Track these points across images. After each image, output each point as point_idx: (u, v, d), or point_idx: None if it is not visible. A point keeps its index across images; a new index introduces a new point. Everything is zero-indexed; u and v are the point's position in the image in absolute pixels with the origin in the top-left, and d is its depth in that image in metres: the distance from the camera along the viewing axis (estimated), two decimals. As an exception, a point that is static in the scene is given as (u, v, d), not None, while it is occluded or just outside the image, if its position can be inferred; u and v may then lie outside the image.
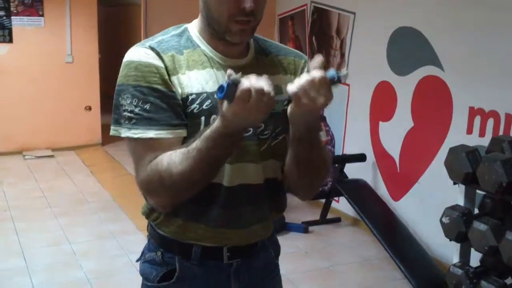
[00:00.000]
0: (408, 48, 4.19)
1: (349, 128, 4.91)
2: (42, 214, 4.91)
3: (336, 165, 4.71)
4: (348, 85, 4.82)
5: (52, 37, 6.89)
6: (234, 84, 1.13)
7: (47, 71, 6.89)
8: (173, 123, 1.32)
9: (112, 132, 1.37)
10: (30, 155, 6.76)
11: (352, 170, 4.64)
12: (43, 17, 6.83)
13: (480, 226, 2.95)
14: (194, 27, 1.44)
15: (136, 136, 1.31)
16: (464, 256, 3.21)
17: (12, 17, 6.67)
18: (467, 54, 3.66)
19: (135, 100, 1.32)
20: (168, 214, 1.44)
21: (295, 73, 1.50)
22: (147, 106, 1.31)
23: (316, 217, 4.82)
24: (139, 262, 1.58)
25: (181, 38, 1.41)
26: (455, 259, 3.23)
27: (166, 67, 1.34)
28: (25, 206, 5.10)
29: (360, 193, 4.47)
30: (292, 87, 1.20)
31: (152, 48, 1.35)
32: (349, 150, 4.83)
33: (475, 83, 3.61)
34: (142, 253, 1.57)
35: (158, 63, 1.33)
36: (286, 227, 4.61)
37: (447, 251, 3.59)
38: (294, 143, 1.37)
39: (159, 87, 1.32)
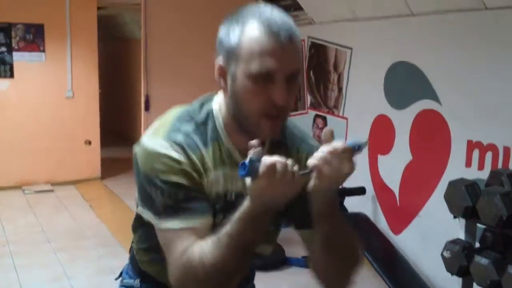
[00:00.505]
0: (405, 82, 4.23)
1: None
2: (41, 250, 4.88)
3: (336, 198, 4.71)
4: (346, 118, 4.86)
5: (53, 72, 6.96)
6: (257, 160, 1.13)
7: (48, 106, 6.93)
8: (205, 209, 1.29)
9: (139, 211, 1.36)
10: (30, 190, 6.75)
11: (352, 204, 4.63)
12: (44, 53, 6.90)
13: (481, 260, 2.94)
14: (218, 112, 1.36)
15: (174, 227, 1.27)
16: (466, 290, 3.19)
17: (14, 53, 6.74)
18: (464, 87, 3.70)
19: (167, 193, 1.27)
20: (154, 261, 1.45)
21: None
22: (181, 196, 1.27)
23: (317, 251, 4.79)
24: (117, 280, 1.63)
25: (207, 128, 1.34)
26: (457, 293, 3.22)
27: (195, 168, 1.29)
28: (24, 241, 5.07)
29: (360, 227, 4.45)
30: (312, 160, 1.19)
31: (179, 145, 1.29)
32: (349, 183, 4.81)
33: (473, 117, 3.64)
34: (121, 273, 1.63)
35: (187, 162, 1.28)
36: (287, 262, 4.58)
37: (449, 286, 3.57)
38: (318, 221, 1.31)
39: (189, 183, 1.28)
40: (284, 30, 1.21)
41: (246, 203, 1.19)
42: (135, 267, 1.56)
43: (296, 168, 1.16)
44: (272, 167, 1.12)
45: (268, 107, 1.24)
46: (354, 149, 1.21)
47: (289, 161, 1.15)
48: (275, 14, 1.24)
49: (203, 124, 1.34)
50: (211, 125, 1.34)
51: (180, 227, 1.26)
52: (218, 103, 1.36)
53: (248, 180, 1.15)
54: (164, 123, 1.34)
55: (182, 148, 1.28)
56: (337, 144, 1.20)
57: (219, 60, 1.28)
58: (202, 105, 1.37)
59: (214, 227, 1.28)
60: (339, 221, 1.34)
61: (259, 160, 1.13)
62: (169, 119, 1.34)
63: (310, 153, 1.32)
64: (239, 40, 1.23)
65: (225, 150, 1.34)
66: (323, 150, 1.19)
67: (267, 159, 1.13)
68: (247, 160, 1.12)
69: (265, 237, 1.34)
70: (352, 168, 1.21)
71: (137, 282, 1.54)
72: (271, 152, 1.28)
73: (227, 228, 1.21)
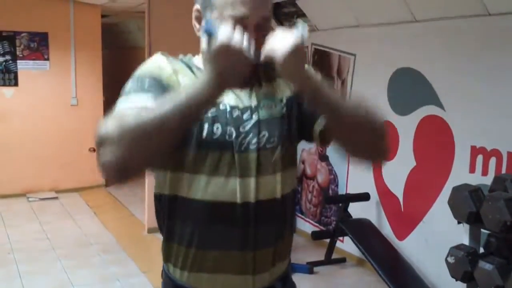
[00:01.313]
0: (408, 88, 4.24)
1: (352, 167, 4.92)
2: (45, 257, 4.89)
3: (340, 204, 4.71)
4: (350, 125, 4.86)
5: (57, 80, 7.00)
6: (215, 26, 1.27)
7: (52, 113, 6.97)
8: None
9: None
10: (34, 197, 6.77)
11: (356, 210, 4.64)
12: (48, 61, 6.95)
13: (485, 265, 2.94)
14: (199, 59, 1.51)
15: (130, 98, 1.36)
16: (471, 296, 3.19)
17: (18, 61, 6.79)
18: (468, 93, 3.71)
19: (138, 82, 1.39)
20: (182, 246, 1.43)
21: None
22: (146, 85, 1.37)
23: (321, 257, 4.79)
24: None
25: (189, 62, 1.49)
26: (462, 299, 3.21)
27: (173, 69, 1.42)
28: (29, 249, 5.08)
29: (364, 233, 4.45)
30: (264, 51, 1.28)
31: (164, 55, 1.46)
32: (353, 189, 4.83)
33: (476, 122, 3.64)
34: None
35: (166, 64, 1.43)
36: (290, 268, 4.57)
37: (454, 291, 3.56)
38: (320, 110, 1.40)
39: (160, 78, 1.39)
40: None
41: (201, 75, 1.27)
42: (169, 286, 1.51)
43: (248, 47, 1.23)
44: (229, 30, 1.20)
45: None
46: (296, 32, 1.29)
47: (245, 42, 1.21)
48: None
49: (188, 61, 1.49)
50: (191, 62, 1.49)
51: (135, 99, 1.34)
52: (199, 55, 1.51)
53: (205, 41, 1.35)
54: None
55: (168, 59, 1.45)
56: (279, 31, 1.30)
57: (196, 5, 1.42)
58: (183, 56, 1.53)
59: (210, 139, 1.37)
60: (341, 103, 1.37)
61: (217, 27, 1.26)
62: None
63: None
64: None
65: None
66: (269, 40, 1.29)
67: (226, 30, 1.21)
68: (210, 20, 1.33)
69: (271, 166, 1.42)
70: (294, 40, 1.24)
71: None
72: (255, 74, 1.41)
73: (176, 94, 1.28)
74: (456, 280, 3.15)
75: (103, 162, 1.26)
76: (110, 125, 1.23)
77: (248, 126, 1.40)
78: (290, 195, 1.51)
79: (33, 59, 6.89)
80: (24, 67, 6.83)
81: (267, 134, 1.42)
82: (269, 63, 1.28)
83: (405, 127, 4.24)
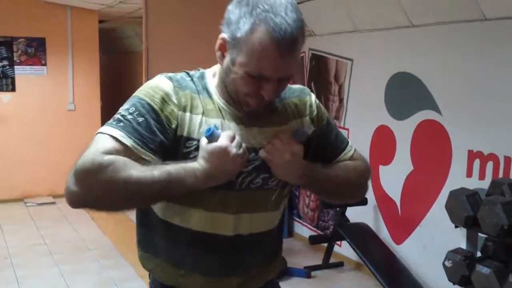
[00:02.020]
0: (405, 93, 4.25)
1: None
2: (43, 262, 4.89)
3: (338, 208, 4.72)
4: (348, 129, 4.87)
5: (54, 85, 7.01)
6: (221, 129, 1.34)
7: (50, 119, 6.97)
8: (151, 147, 1.30)
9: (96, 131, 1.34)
10: (32, 202, 6.76)
11: (353, 214, 4.64)
12: (45, 66, 6.96)
13: (483, 269, 2.94)
14: (211, 78, 1.46)
15: (114, 135, 1.28)
16: (468, 300, 3.19)
17: (15, 67, 6.80)
18: (465, 98, 3.72)
19: (133, 109, 1.33)
20: (167, 263, 1.47)
21: (304, 113, 1.53)
22: (140, 119, 1.31)
23: (319, 261, 4.80)
24: None
25: (200, 82, 1.44)
26: (460, 303, 3.21)
27: (179, 102, 1.36)
28: (26, 254, 5.08)
29: (362, 237, 4.46)
30: (261, 152, 1.39)
31: (172, 80, 1.40)
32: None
33: (473, 127, 3.66)
34: None
35: (172, 95, 1.37)
36: (288, 272, 4.58)
37: (451, 295, 3.57)
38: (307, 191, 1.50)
39: (160, 113, 1.34)
40: (289, 41, 1.27)
41: (196, 161, 1.31)
42: (156, 284, 1.55)
43: (244, 154, 1.33)
44: (230, 138, 1.30)
45: (256, 96, 1.36)
46: (296, 136, 1.41)
47: (244, 145, 1.34)
48: (288, 17, 1.27)
49: (198, 79, 1.45)
50: (204, 83, 1.44)
51: (120, 138, 1.27)
52: (212, 71, 1.47)
53: (205, 141, 1.31)
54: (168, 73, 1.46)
55: (173, 82, 1.39)
56: (281, 134, 1.41)
57: (223, 35, 1.35)
58: (196, 70, 1.49)
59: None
60: (326, 182, 1.49)
61: (222, 130, 1.34)
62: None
63: (301, 96, 1.54)
64: (245, 36, 1.29)
65: (217, 105, 1.42)
66: (270, 143, 1.39)
67: (227, 132, 1.32)
68: (212, 126, 1.32)
69: (269, 204, 1.48)
70: (294, 155, 1.38)
71: None
72: (265, 112, 1.45)
73: (170, 167, 1.28)
74: (454, 284, 3.15)
75: (71, 191, 1.29)
76: (91, 163, 1.24)
77: (251, 166, 1.41)
78: (281, 219, 1.58)
79: (30, 65, 6.90)
80: (22, 73, 6.83)
81: (269, 175, 1.44)
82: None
83: (403, 131, 4.26)
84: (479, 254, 3.19)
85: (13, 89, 6.80)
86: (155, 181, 1.24)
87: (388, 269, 4.18)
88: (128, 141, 1.27)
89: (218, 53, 1.38)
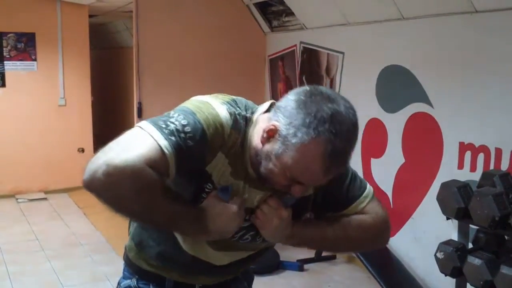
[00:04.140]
0: (396, 86, 4.26)
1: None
2: (35, 258, 4.87)
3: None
4: (339, 122, 4.87)
5: (45, 81, 6.96)
6: (232, 192, 1.38)
7: (40, 114, 6.93)
8: (182, 170, 1.30)
9: (142, 123, 1.31)
10: (23, 198, 6.73)
11: (345, 207, 4.64)
12: (36, 62, 6.91)
13: (474, 260, 2.96)
14: (253, 131, 1.39)
15: (162, 146, 1.24)
16: (460, 291, 3.21)
17: (5, 62, 6.74)
18: (456, 90, 3.73)
19: (188, 128, 1.28)
20: (145, 254, 1.54)
21: None
22: (189, 143, 1.27)
23: (311, 254, 4.80)
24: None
25: (247, 129, 1.39)
26: (451, 294, 3.23)
27: (226, 143, 1.34)
28: (18, 250, 5.06)
29: (354, 230, 4.46)
30: (252, 217, 1.43)
31: (231, 115, 1.35)
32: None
33: (464, 119, 3.67)
34: (118, 283, 1.64)
35: (226, 132, 1.33)
36: (281, 266, 4.59)
37: (443, 286, 3.58)
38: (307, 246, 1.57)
39: (207, 141, 1.30)
40: (340, 162, 1.31)
41: (203, 210, 1.34)
42: (130, 266, 1.60)
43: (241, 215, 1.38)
44: (240, 200, 1.37)
45: (283, 189, 1.37)
46: (284, 200, 1.42)
47: (243, 217, 1.40)
48: (348, 143, 1.28)
49: (244, 123, 1.39)
50: (246, 133, 1.39)
51: (166, 152, 1.24)
52: (257, 124, 1.39)
53: (218, 198, 1.36)
54: (223, 96, 1.41)
55: (233, 121, 1.34)
56: (270, 200, 1.42)
57: (276, 123, 1.29)
58: (246, 105, 1.43)
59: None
60: (317, 242, 1.52)
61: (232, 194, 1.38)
62: (226, 96, 1.42)
63: None
64: (300, 144, 1.25)
65: (243, 164, 1.40)
66: (260, 208, 1.42)
67: (238, 198, 1.37)
68: (229, 188, 1.36)
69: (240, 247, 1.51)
70: (281, 219, 1.41)
71: (133, 280, 1.57)
72: None
73: (181, 203, 1.32)
74: (446, 276, 3.17)
75: (96, 177, 1.26)
76: (129, 168, 1.21)
77: (244, 224, 1.45)
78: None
79: (20, 60, 6.85)
80: (12, 68, 6.78)
81: (255, 232, 1.48)
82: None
83: (394, 124, 4.27)
84: (470, 245, 3.21)
85: (3, 85, 6.75)
86: (168, 215, 1.30)
87: (380, 262, 4.19)
88: (170, 158, 1.25)
89: (264, 134, 1.32)
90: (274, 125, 1.29)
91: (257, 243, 1.50)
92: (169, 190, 1.31)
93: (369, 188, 1.54)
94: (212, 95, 1.40)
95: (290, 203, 1.43)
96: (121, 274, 1.64)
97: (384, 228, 1.56)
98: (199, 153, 1.30)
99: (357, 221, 1.49)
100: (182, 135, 1.26)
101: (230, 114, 1.34)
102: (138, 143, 1.24)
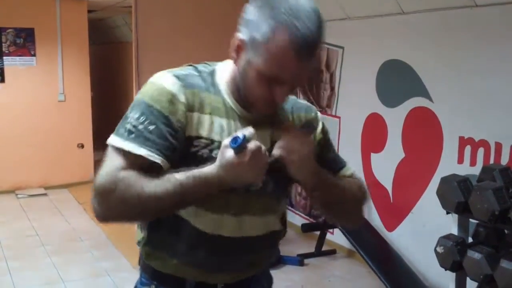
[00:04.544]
0: (396, 81, 4.25)
1: (341, 160, 4.93)
2: (35, 253, 4.87)
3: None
4: (339, 117, 4.87)
5: (44, 76, 6.95)
6: (247, 140, 1.23)
7: (40, 110, 6.92)
8: (165, 153, 1.31)
9: (108, 140, 1.35)
10: (23, 194, 6.73)
11: (345, 202, 4.64)
12: (35, 57, 6.89)
13: (474, 255, 2.96)
14: (223, 74, 1.42)
15: (126, 149, 1.29)
16: (460, 285, 3.22)
17: (4, 57, 6.73)
18: (455, 84, 3.73)
19: (143, 118, 1.31)
20: (163, 253, 1.46)
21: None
22: (151, 127, 1.30)
23: (311, 249, 4.81)
24: None
25: (209, 78, 1.42)
26: (451, 288, 3.24)
27: (187, 102, 1.35)
28: (18, 245, 5.06)
29: (354, 225, 4.46)
30: (276, 150, 1.34)
31: (178, 78, 1.37)
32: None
33: (464, 113, 3.67)
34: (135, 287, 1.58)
35: (180, 95, 1.34)
36: (281, 260, 4.59)
37: (443, 281, 3.59)
38: (313, 195, 1.46)
39: (170, 116, 1.32)
40: (309, 48, 1.26)
41: (212, 168, 1.26)
42: (147, 271, 1.53)
43: (267, 157, 1.28)
44: (258, 150, 1.24)
45: (268, 99, 1.34)
46: (307, 129, 1.42)
47: (263, 148, 1.26)
48: (310, 23, 1.26)
49: (208, 75, 1.42)
50: (213, 79, 1.42)
51: (132, 151, 1.29)
52: (226, 66, 1.43)
53: (231, 152, 1.23)
54: (174, 68, 1.43)
55: (180, 80, 1.36)
56: (293, 130, 1.39)
57: (241, 35, 1.32)
58: (205, 65, 1.47)
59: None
60: (333, 187, 1.47)
61: (249, 140, 1.24)
62: (178, 67, 1.43)
63: (307, 112, 1.55)
64: (265, 38, 1.26)
65: (227, 103, 1.40)
66: (283, 139, 1.35)
67: (255, 142, 1.24)
68: (240, 135, 1.22)
69: (251, 208, 1.43)
70: (308, 147, 1.37)
71: (153, 287, 1.51)
72: (271, 114, 1.44)
73: (182, 177, 1.27)
74: (445, 270, 3.18)
75: (94, 208, 1.31)
76: (106, 182, 1.27)
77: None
78: (281, 226, 1.57)
79: (20, 55, 6.83)
80: (11, 63, 6.77)
81: (270, 179, 1.41)
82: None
83: (394, 119, 4.27)
84: (470, 239, 3.22)
85: (2, 80, 6.74)
86: (168, 195, 1.26)
87: (380, 256, 4.20)
88: (142, 152, 1.29)
89: (233, 54, 1.35)
90: (239, 39, 1.33)
91: (267, 193, 1.44)
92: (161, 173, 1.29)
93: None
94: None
95: (312, 129, 1.45)
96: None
97: (368, 197, 1.63)
98: (168, 128, 1.31)
99: (356, 182, 1.57)
100: (140, 126, 1.30)
101: (175, 76, 1.37)
102: (107, 161, 1.31)
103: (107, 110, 9.55)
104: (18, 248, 4.98)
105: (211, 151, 1.35)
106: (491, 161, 3.45)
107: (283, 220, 1.57)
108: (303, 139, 1.37)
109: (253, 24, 1.29)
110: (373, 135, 4.53)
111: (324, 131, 1.57)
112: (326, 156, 1.54)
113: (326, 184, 1.45)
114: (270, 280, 1.67)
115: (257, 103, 1.36)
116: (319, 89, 5.13)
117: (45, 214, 6.04)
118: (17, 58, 6.81)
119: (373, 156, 4.55)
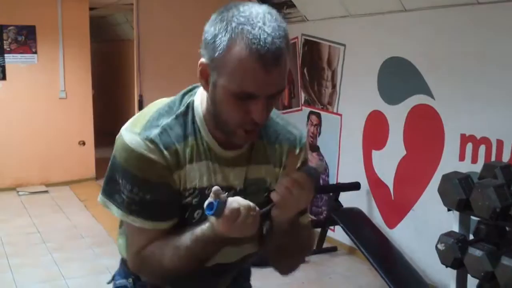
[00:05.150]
0: (398, 78, 4.25)
1: (343, 157, 4.94)
2: (36, 250, 4.87)
3: (331, 194, 4.73)
4: (341, 115, 4.87)
5: (45, 73, 6.95)
6: (223, 203, 1.20)
7: (41, 107, 6.92)
8: (170, 215, 1.35)
9: (100, 201, 1.39)
10: (24, 191, 6.73)
11: (346, 199, 4.66)
12: (36, 54, 6.89)
13: (475, 252, 2.96)
14: (199, 106, 1.35)
15: (135, 224, 1.35)
16: (461, 282, 3.22)
17: (6, 55, 6.72)
18: (457, 82, 3.73)
19: (136, 189, 1.31)
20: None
21: (282, 164, 1.46)
22: (148, 197, 1.31)
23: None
24: (109, 284, 1.62)
25: (186, 120, 1.34)
26: (452, 285, 3.24)
27: (168, 165, 1.30)
28: (19, 242, 5.06)
29: (355, 222, 4.47)
30: (276, 195, 1.26)
31: (153, 142, 1.29)
32: (343, 179, 4.86)
33: (466, 111, 3.67)
34: (113, 277, 1.60)
35: (160, 160, 1.29)
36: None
37: (444, 278, 3.59)
38: (278, 236, 1.38)
39: (159, 183, 1.31)
40: (272, 53, 1.16)
41: (208, 228, 1.25)
42: (127, 265, 1.53)
43: (257, 210, 1.23)
44: (235, 211, 1.19)
45: (246, 122, 1.25)
46: (311, 176, 1.28)
47: (252, 204, 1.22)
48: (266, 26, 1.17)
49: (183, 116, 1.34)
50: (191, 117, 1.34)
51: (142, 226, 1.34)
52: (200, 96, 1.36)
53: (213, 218, 1.21)
54: (144, 115, 1.35)
55: (156, 146, 1.29)
56: (296, 175, 1.27)
57: (202, 59, 1.24)
58: (183, 97, 1.38)
59: (189, 222, 1.35)
60: (297, 232, 1.41)
61: (225, 202, 1.20)
62: (150, 111, 1.35)
63: (291, 146, 1.45)
64: (224, 53, 1.18)
65: (205, 143, 1.35)
66: (283, 183, 1.26)
67: (232, 203, 1.20)
68: (214, 201, 1.18)
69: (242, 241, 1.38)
70: (309, 196, 1.29)
71: (130, 281, 1.52)
72: (251, 146, 1.40)
73: (188, 242, 1.29)
74: (446, 267, 3.18)
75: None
76: (138, 265, 1.41)
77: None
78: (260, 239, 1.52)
79: (21, 53, 6.83)
80: (12, 61, 6.77)
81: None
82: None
83: (395, 116, 4.26)
84: (471, 237, 3.22)
85: (4, 78, 6.73)
86: (187, 263, 1.32)
87: (381, 253, 4.20)
88: (150, 226, 1.34)
89: (201, 81, 1.28)
90: (200, 64, 1.24)
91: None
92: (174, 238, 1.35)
93: None
94: (134, 119, 1.37)
95: (316, 177, 1.31)
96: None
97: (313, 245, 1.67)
98: (163, 192, 1.32)
99: (310, 231, 1.58)
100: (137, 197, 1.31)
101: (150, 141, 1.29)
102: (130, 236, 1.42)
103: (108, 107, 9.57)
104: (19, 245, 4.98)
105: (192, 198, 1.35)
106: (493, 159, 3.45)
107: (261, 238, 1.48)
108: (304, 186, 1.26)
109: (210, 43, 1.20)
110: (375, 132, 4.53)
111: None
112: None
113: (295, 231, 1.38)
114: (248, 272, 1.71)
115: (237, 129, 1.27)
116: (320, 87, 5.13)
117: (46, 211, 6.05)
118: (19, 55, 6.80)
119: (375, 153, 4.55)
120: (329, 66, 5.01)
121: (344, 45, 4.81)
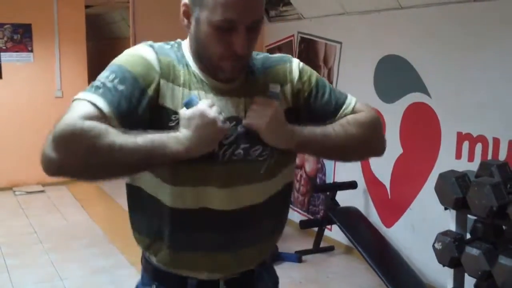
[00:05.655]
0: (394, 76, 4.24)
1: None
2: (33, 250, 4.86)
3: (328, 193, 4.72)
4: (337, 113, 4.86)
5: (41, 72, 6.93)
6: (200, 100, 1.31)
7: (37, 106, 6.90)
8: (123, 114, 1.26)
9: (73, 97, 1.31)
10: (21, 191, 6.72)
11: (343, 198, 4.65)
12: (32, 53, 6.88)
13: (472, 251, 2.96)
14: (187, 48, 1.43)
15: (93, 101, 1.24)
16: (458, 281, 3.21)
17: (1, 53, 6.71)
18: (453, 80, 3.72)
19: (113, 76, 1.29)
20: (157, 243, 1.42)
21: (287, 80, 1.47)
22: (119, 87, 1.27)
23: (309, 246, 4.80)
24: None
25: (178, 52, 1.41)
26: (449, 284, 3.23)
27: (161, 70, 1.34)
28: (16, 242, 5.05)
29: (352, 221, 4.46)
30: (244, 120, 1.37)
31: (153, 48, 1.38)
32: (340, 177, 4.84)
33: (462, 109, 3.66)
34: None
35: (154, 62, 1.34)
36: (279, 257, 4.58)
37: (441, 277, 3.59)
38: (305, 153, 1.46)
39: (141, 81, 1.30)
40: None
41: (167, 134, 1.26)
42: (148, 271, 1.49)
43: (224, 122, 1.30)
44: (207, 109, 1.27)
45: (229, 53, 1.32)
46: (272, 96, 1.41)
47: (221, 116, 1.29)
48: None
49: (177, 49, 1.42)
50: (181, 53, 1.42)
51: (99, 105, 1.23)
52: (186, 41, 1.45)
53: (184, 109, 1.29)
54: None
55: (157, 52, 1.36)
56: (258, 99, 1.39)
57: (184, 0, 1.36)
58: (176, 41, 1.47)
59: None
60: (321, 141, 1.42)
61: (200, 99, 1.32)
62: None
63: (280, 64, 1.49)
64: None
65: (197, 76, 1.39)
66: (249, 108, 1.37)
67: (205, 101, 1.30)
68: (194, 96, 1.32)
69: (258, 176, 1.39)
70: (271, 111, 1.35)
71: (154, 287, 1.47)
72: (246, 79, 1.44)
73: (140, 137, 1.22)
74: (444, 266, 3.17)
75: (49, 158, 1.20)
76: (72, 128, 1.19)
77: (232, 137, 1.36)
78: (282, 191, 1.48)
79: (17, 51, 6.82)
80: (8, 60, 6.75)
81: (249, 145, 1.38)
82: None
83: (392, 114, 4.25)
84: (468, 236, 3.21)
85: (0, 77, 6.72)
86: (138, 148, 1.21)
87: (378, 252, 4.19)
88: (107, 110, 1.23)
89: (184, 21, 1.38)
90: (183, 4, 1.36)
91: (253, 159, 1.39)
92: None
93: (350, 95, 1.55)
94: None
95: (276, 97, 1.42)
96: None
97: (379, 122, 1.54)
98: (137, 92, 1.29)
99: (352, 117, 1.47)
100: (109, 84, 1.27)
101: (149, 46, 1.38)
102: (71, 110, 1.24)
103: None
104: (16, 246, 4.97)
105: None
106: (489, 157, 3.44)
107: (287, 187, 1.50)
108: (266, 105, 1.36)
109: None
110: (371, 130, 4.51)
111: (305, 81, 1.48)
112: (319, 101, 1.48)
113: (310, 143, 1.41)
114: (275, 278, 1.64)
115: (221, 63, 1.34)
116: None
117: (42, 211, 6.04)
118: (14, 54, 6.79)
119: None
120: (326, 64, 5.00)
121: (340, 43, 4.79)
